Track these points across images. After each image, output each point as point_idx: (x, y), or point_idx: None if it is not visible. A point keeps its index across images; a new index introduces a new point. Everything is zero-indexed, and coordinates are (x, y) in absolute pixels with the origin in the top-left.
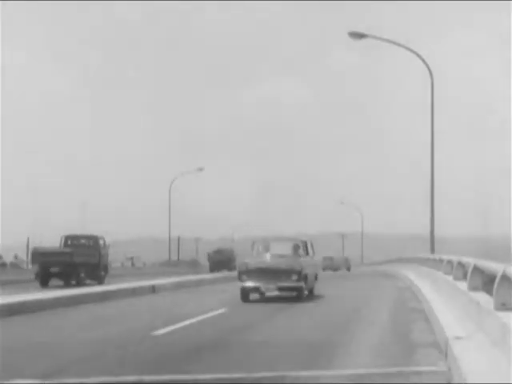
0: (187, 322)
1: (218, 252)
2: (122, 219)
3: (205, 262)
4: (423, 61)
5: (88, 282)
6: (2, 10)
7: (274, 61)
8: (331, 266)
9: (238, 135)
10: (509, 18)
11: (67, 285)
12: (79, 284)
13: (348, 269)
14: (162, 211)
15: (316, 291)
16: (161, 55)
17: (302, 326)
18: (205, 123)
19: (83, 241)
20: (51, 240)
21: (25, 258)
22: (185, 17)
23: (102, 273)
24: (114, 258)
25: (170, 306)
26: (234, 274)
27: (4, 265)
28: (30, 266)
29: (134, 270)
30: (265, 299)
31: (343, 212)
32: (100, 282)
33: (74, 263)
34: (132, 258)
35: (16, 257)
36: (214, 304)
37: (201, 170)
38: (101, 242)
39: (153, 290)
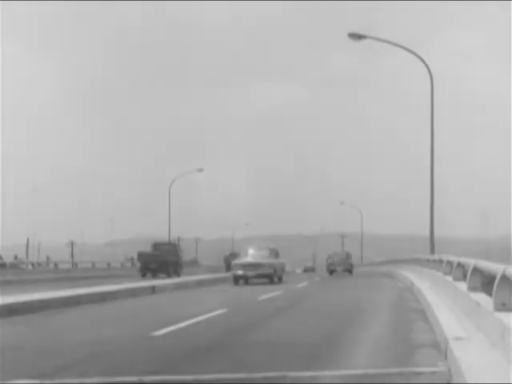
0: (187, 323)
1: (233, 255)
2: (122, 219)
3: (205, 262)
4: (423, 61)
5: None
6: (1, 9)
7: (274, 61)
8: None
9: (238, 135)
10: (509, 18)
11: (155, 277)
12: (169, 276)
13: (349, 270)
14: (162, 211)
15: None
16: (161, 55)
17: (303, 326)
18: (205, 123)
19: (167, 246)
20: (51, 240)
21: (25, 258)
22: (185, 17)
23: (180, 269)
24: (114, 258)
25: (170, 306)
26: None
27: (4, 265)
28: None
29: (133, 270)
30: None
31: (343, 212)
32: (178, 275)
33: (166, 261)
34: (132, 258)
35: (16, 257)
36: (214, 304)
37: (201, 170)
38: (178, 247)
39: (153, 290)
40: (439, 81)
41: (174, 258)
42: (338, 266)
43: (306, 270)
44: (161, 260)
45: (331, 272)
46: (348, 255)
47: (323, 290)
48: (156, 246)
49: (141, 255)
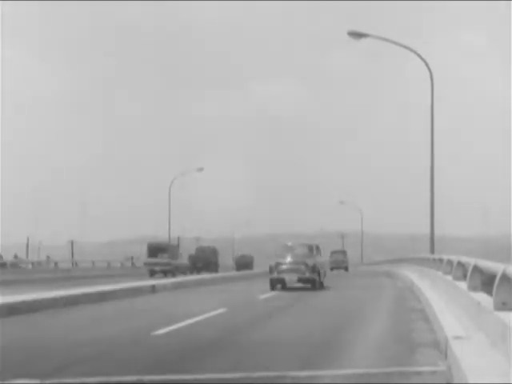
0: (187, 322)
1: (242, 257)
2: (122, 219)
3: None
4: (423, 61)
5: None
6: (1, 9)
7: (274, 61)
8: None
9: (238, 135)
10: (509, 18)
11: (199, 273)
12: (211, 273)
13: (311, 280)
14: (162, 211)
15: None
16: (160, 55)
17: (303, 325)
18: (205, 123)
19: (208, 249)
20: (52, 240)
21: (25, 257)
22: (184, 17)
23: (217, 267)
24: (114, 258)
25: (170, 305)
26: (234, 274)
27: (4, 264)
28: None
29: (133, 269)
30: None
31: (343, 212)
32: (217, 272)
33: (209, 261)
34: (132, 258)
35: (16, 256)
36: (213, 304)
37: (201, 170)
38: (216, 250)
39: (153, 289)
40: (439, 80)
41: (214, 258)
42: (290, 273)
43: None
44: (205, 260)
45: (275, 283)
46: (312, 249)
47: (323, 290)
48: (199, 249)
49: (190, 257)
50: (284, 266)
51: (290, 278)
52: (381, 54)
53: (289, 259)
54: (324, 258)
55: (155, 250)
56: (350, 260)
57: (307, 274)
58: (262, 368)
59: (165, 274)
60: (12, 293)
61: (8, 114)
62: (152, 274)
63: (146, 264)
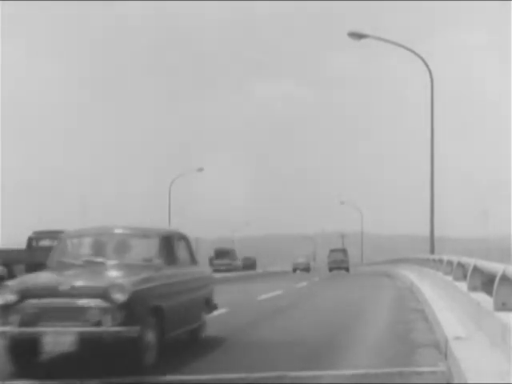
0: None
1: (247, 259)
2: (122, 219)
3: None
4: (423, 61)
5: None
6: (1, 9)
7: (274, 61)
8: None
9: (238, 135)
10: (509, 18)
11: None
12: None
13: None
14: (162, 211)
15: None
16: (161, 55)
17: (302, 324)
18: (205, 123)
19: (229, 251)
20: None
21: None
22: (184, 17)
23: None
24: None
25: None
26: (237, 274)
27: None
28: None
29: None
30: None
31: (343, 212)
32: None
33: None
34: None
35: None
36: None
37: (201, 170)
38: (235, 251)
39: None
40: (439, 80)
41: (235, 258)
42: (57, 326)
43: (296, 269)
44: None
45: (15, 357)
46: (150, 248)
47: (323, 290)
48: (218, 250)
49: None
50: (40, 302)
51: (56, 340)
52: (381, 54)
53: (67, 280)
54: (202, 269)
55: (220, 253)
56: (350, 259)
57: (110, 325)
58: (263, 368)
59: (226, 271)
60: None
61: (7, 113)
62: (217, 271)
63: (214, 264)
